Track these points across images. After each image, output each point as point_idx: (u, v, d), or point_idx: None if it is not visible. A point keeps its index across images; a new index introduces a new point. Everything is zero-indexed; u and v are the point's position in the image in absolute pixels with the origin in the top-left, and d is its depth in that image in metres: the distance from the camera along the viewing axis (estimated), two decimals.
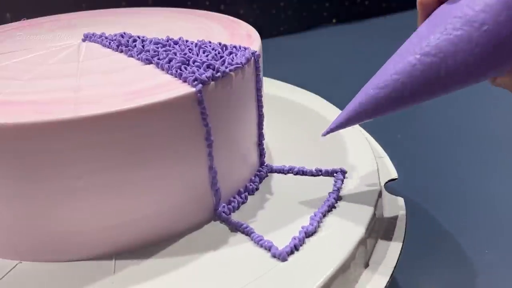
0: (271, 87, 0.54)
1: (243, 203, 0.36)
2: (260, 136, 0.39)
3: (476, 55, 0.27)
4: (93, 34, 0.42)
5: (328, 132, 0.33)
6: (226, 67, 0.33)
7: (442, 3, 0.29)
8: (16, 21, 0.51)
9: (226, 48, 0.36)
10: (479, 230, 0.48)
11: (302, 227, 0.32)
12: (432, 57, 0.28)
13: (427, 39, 0.28)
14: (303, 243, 0.32)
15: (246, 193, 0.36)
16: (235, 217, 0.34)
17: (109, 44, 0.39)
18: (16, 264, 0.32)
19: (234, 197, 0.36)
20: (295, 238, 0.31)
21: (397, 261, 0.34)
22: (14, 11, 0.85)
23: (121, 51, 0.38)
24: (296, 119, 0.49)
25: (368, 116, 0.31)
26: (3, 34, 0.46)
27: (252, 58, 0.36)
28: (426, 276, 0.43)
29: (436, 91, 0.29)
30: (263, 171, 0.39)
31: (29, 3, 0.83)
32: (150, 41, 0.38)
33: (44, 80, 0.34)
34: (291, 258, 0.31)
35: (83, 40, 0.42)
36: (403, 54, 0.29)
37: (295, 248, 0.31)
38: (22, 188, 0.30)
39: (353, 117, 0.32)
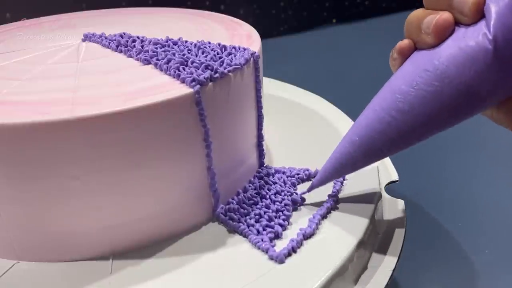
0: (271, 87, 0.54)
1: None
2: (260, 137, 0.39)
3: (449, 106, 0.27)
4: (93, 34, 0.42)
5: (310, 190, 0.35)
6: (225, 68, 0.33)
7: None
8: (16, 21, 0.51)
9: (225, 49, 0.36)
10: (479, 230, 0.48)
11: (300, 229, 0.32)
12: (406, 115, 0.28)
13: (400, 93, 0.29)
14: (301, 245, 0.32)
15: (245, 195, 0.36)
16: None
17: (109, 44, 0.39)
18: (14, 264, 0.32)
19: (233, 199, 0.36)
20: (293, 241, 0.31)
21: (397, 263, 0.34)
22: (14, 11, 0.85)
23: (121, 52, 0.38)
24: (296, 119, 0.49)
25: (346, 172, 0.33)
26: (3, 34, 0.46)
27: (252, 59, 0.36)
28: (426, 276, 0.43)
29: (412, 143, 0.30)
30: (263, 172, 0.39)
31: (29, 3, 0.83)
32: (149, 42, 0.38)
33: (43, 80, 0.34)
34: (288, 261, 0.30)
35: (83, 40, 0.42)
36: (376, 109, 0.30)
37: (292, 251, 0.31)
38: (19, 188, 0.30)
39: (331, 174, 0.34)
